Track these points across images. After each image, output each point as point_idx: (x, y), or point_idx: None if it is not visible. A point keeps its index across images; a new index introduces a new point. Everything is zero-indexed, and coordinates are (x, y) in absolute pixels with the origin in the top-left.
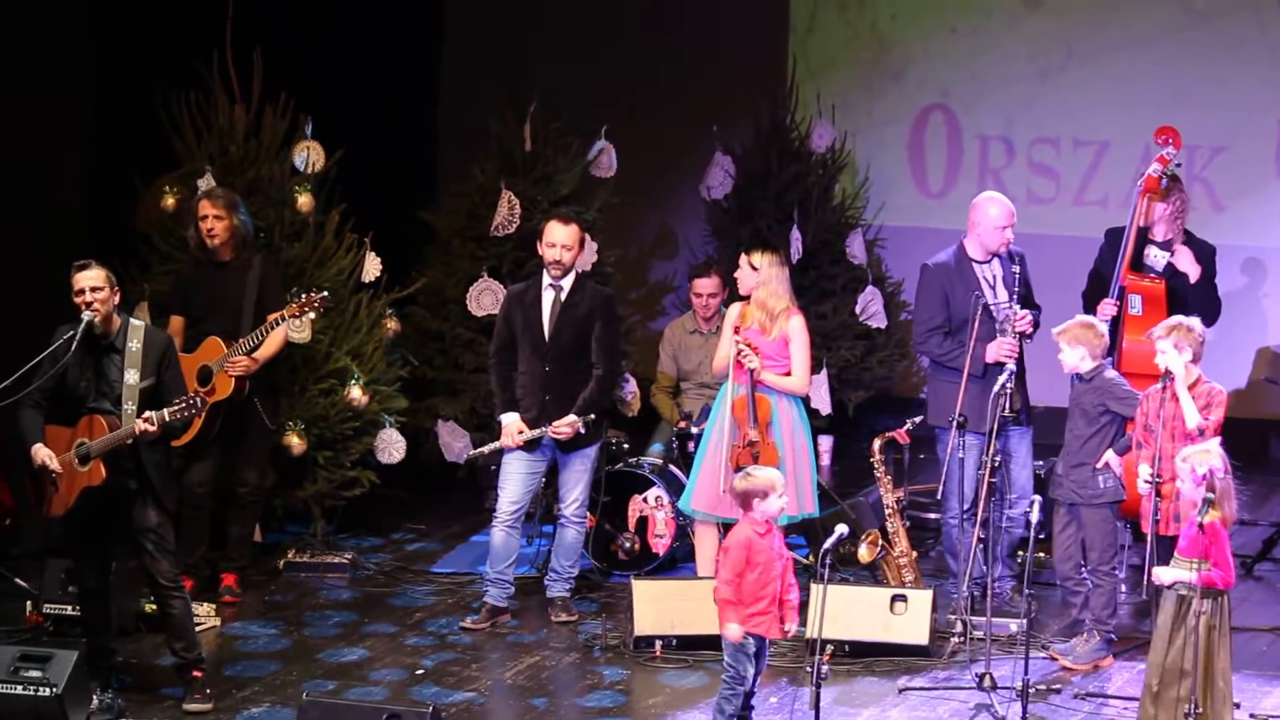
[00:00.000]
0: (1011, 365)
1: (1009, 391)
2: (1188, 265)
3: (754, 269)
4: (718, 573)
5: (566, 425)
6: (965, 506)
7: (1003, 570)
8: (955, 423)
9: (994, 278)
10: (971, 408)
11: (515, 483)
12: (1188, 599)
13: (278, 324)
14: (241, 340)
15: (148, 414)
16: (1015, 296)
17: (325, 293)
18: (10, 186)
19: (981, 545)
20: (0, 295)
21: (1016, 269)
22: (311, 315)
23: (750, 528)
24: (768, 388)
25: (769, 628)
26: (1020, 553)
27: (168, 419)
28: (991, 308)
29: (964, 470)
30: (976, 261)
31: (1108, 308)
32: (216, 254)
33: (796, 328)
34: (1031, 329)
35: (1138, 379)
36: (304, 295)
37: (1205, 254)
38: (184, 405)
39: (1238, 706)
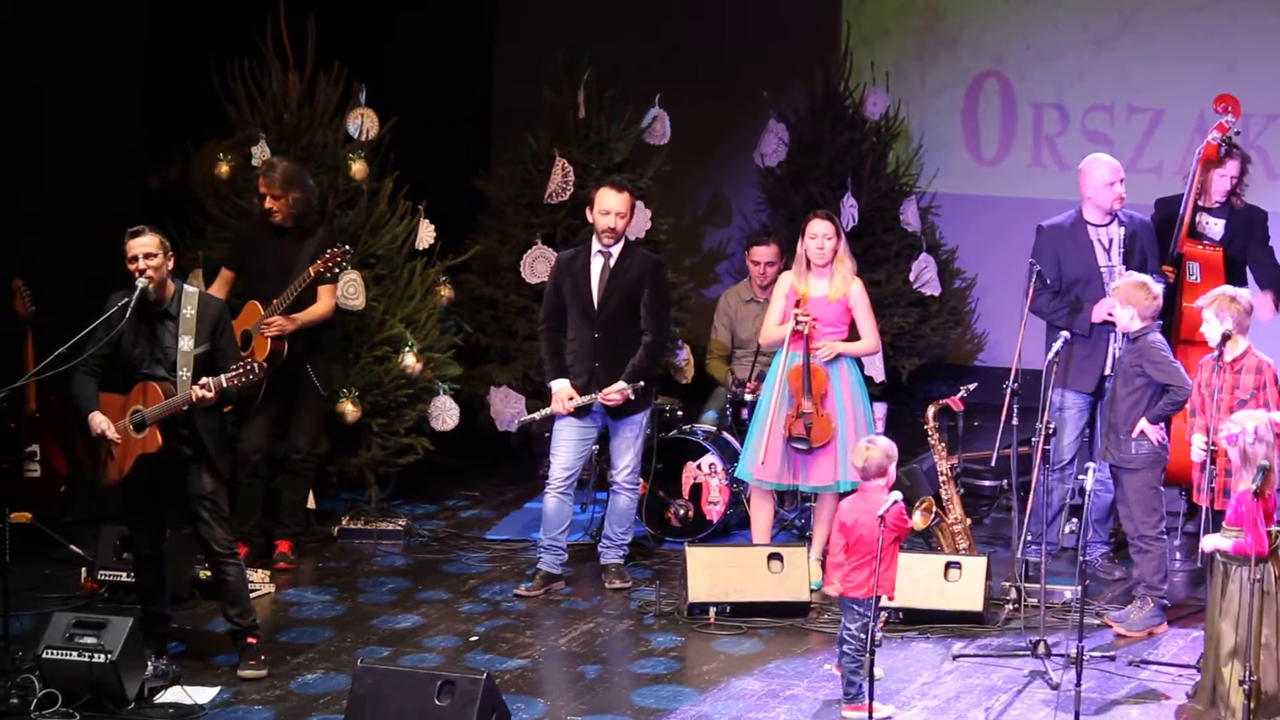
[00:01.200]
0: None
1: (1056, 360)
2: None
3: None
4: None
5: (616, 393)
6: (1059, 464)
7: (1094, 536)
8: (1009, 389)
9: (1109, 241)
10: (1081, 369)
11: (567, 449)
12: (1228, 567)
13: (304, 283)
14: (275, 301)
15: (204, 380)
16: (1111, 261)
17: (348, 248)
18: (65, 154)
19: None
20: (56, 262)
21: (1107, 237)
22: (337, 272)
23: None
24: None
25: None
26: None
27: (225, 385)
28: (1104, 270)
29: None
30: (1093, 225)
31: (1166, 274)
32: (280, 223)
33: (857, 292)
34: None
35: (1197, 346)
36: (327, 252)
37: (1258, 219)
38: (241, 371)
39: None
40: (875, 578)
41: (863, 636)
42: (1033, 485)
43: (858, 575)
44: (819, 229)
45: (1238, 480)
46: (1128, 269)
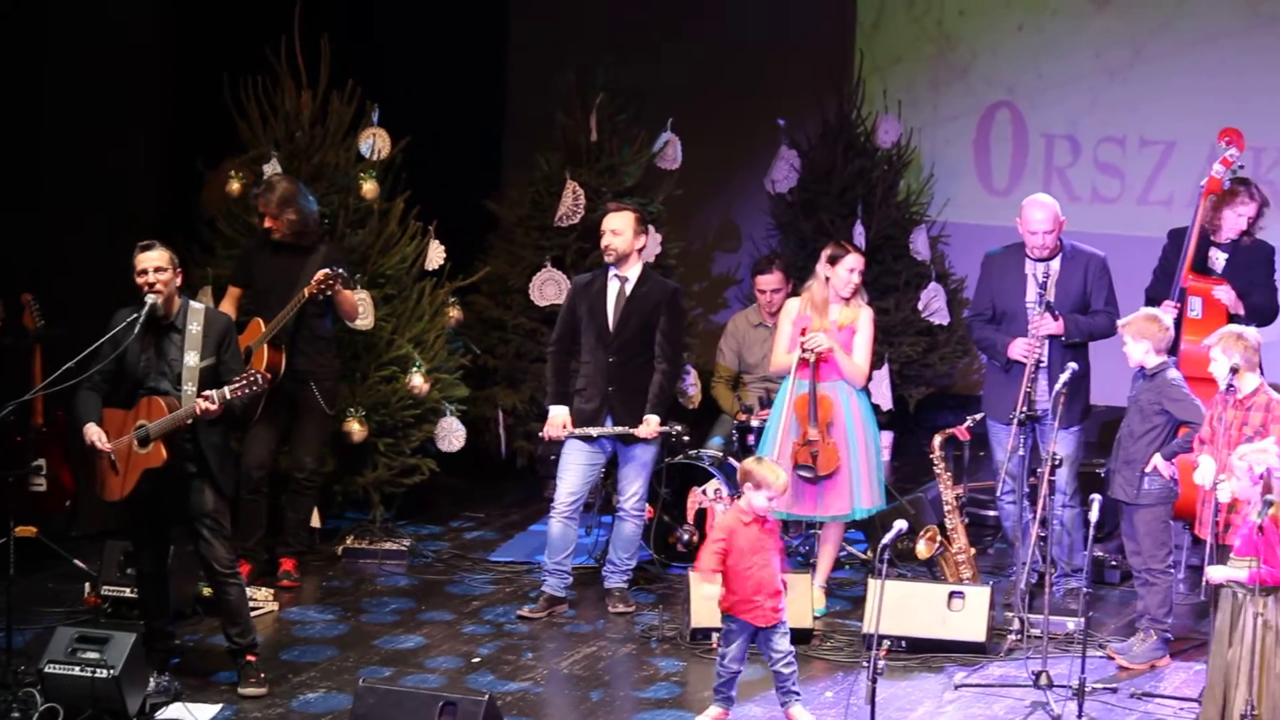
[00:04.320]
0: (1029, 362)
1: (1063, 390)
2: (1225, 297)
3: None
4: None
5: (650, 430)
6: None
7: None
8: (1014, 420)
9: (1045, 275)
10: (999, 399)
11: (574, 473)
12: (1241, 600)
13: (299, 303)
14: (274, 320)
15: (208, 392)
16: (1042, 299)
17: (341, 271)
18: (78, 169)
19: (1041, 542)
20: (65, 277)
21: (1051, 274)
22: (330, 295)
23: (735, 514)
24: (832, 385)
25: (753, 616)
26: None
27: (229, 397)
28: (1028, 306)
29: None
30: (1031, 258)
31: (1168, 309)
32: (282, 239)
33: (865, 319)
34: (1054, 332)
35: (1194, 382)
36: (319, 273)
37: (1265, 254)
38: (245, 383)
39: None
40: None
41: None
42: (1037, 516)
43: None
44: (856, 264)
45: (1249, 512)
46: (1060, 305)
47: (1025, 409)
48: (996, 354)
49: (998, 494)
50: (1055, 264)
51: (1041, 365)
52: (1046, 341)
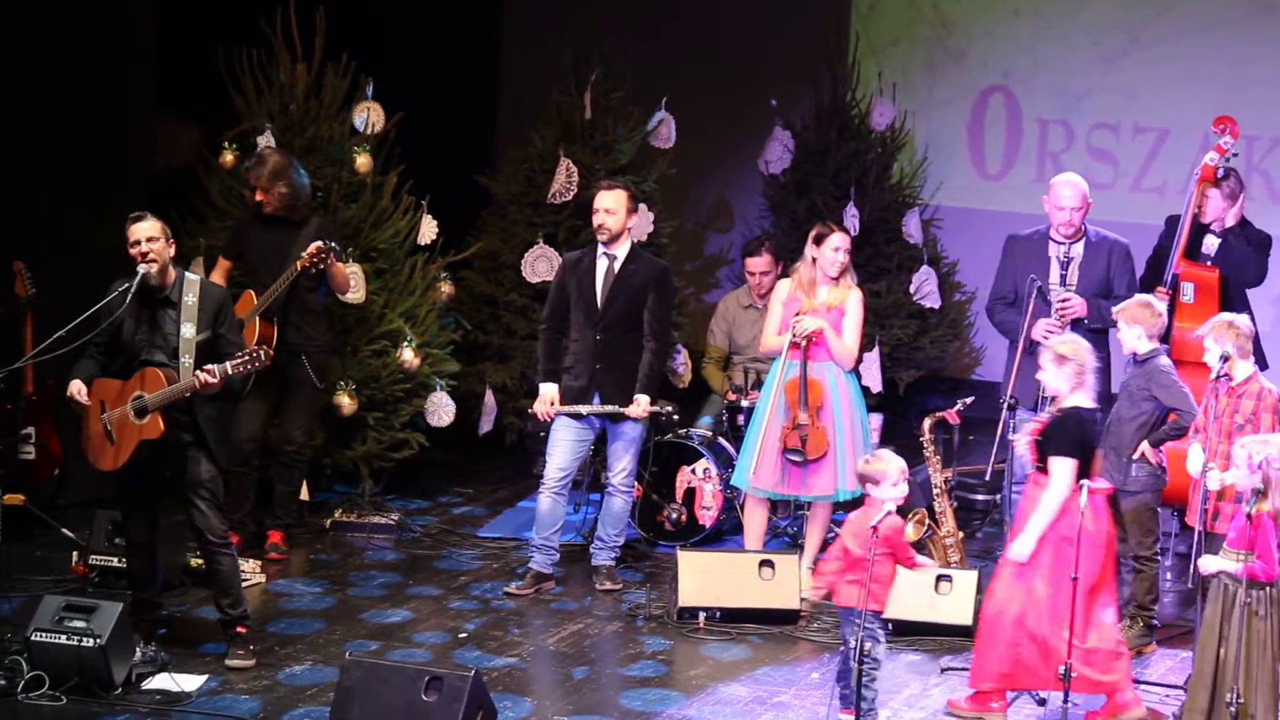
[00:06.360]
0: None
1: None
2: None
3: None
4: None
5: (641, 410)
6: (1014, 482)
7: None
8: (1005, 404)
9: (1068, 260)
10: (1024, 386)
11: (563, 450)
12: (1233, 591)
13: (291, 276)
14: (267, 291)
15: (209, 366)
16: (1066, 281)
17: (332, 244)
18: (69, 137)
19: None
20: (57, 245)
21: (1074, 257)
22: (322, 268)
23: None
24: (821, 366)
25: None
26: None
27: (230, 371)
28: (1051, 288)
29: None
30: (1056, 241)
31: (1160, 296)
32: (273, 213)
33: (855, 300)
34: (1081, 315)
35: (1186, 367)
36: (311, 247)
37: (1261, 242)
38: (246, 359)
39: None
40: (865, 589)
41: (852, 644)
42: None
43: (850, 586)
44: (842, 242)
45: (1247, 503)
46: (1081, 289)
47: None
48: (1018, 336)
49: (1008, 482)
50: (1079, 248)
51: None
52: (1068, 324)
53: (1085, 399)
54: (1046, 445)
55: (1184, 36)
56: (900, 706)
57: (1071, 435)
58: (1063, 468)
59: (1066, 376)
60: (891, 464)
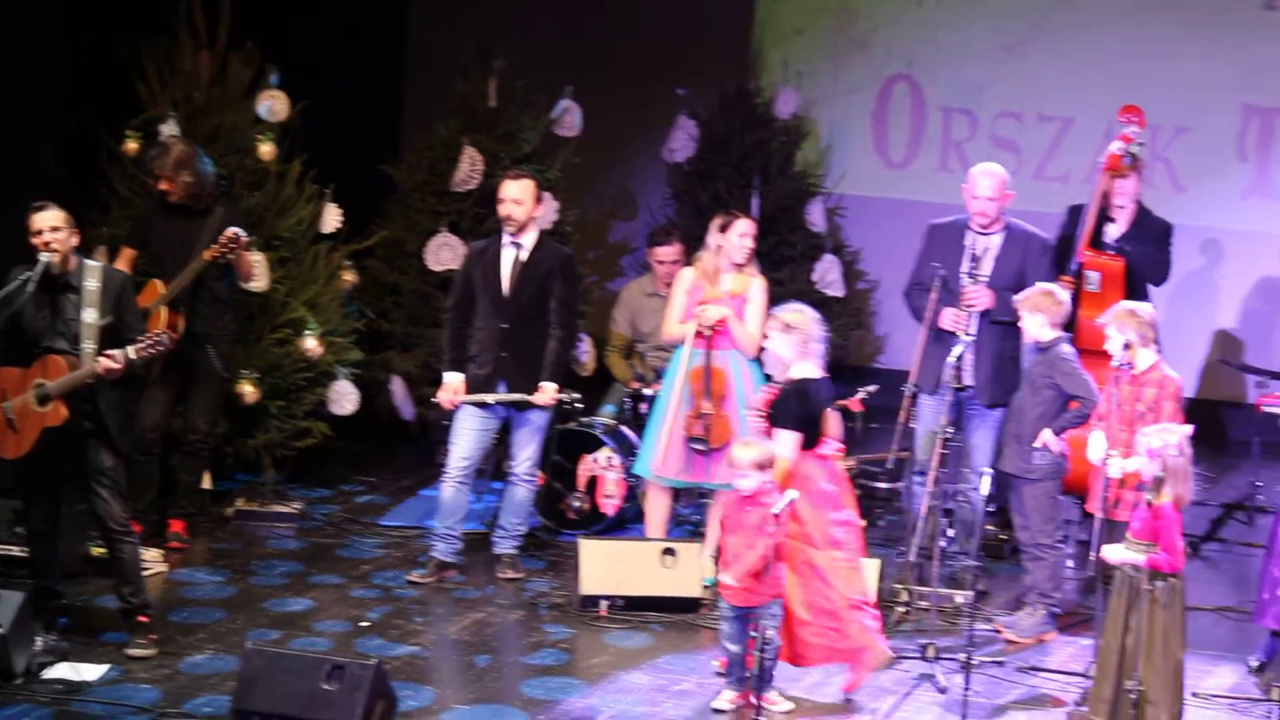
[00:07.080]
0: (965, 338)
1: (960, 365)
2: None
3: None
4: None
5: (547, 397)
6: (914, 470)
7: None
8: (908, 392)
9: (983, 250)
10: (926, 373)
11: (467, 439)
12: (1137, 581)
13: (201, 265)
14: (174, 281)
15: (112, 351)
16: (974, 272)
17: (240, 233)
18: None
19: (930, 515)
20: None
21: (989, 248)
22: (232, 258)
23: (730, 495)
24: (724, 354)
25: (733, 597)
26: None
27: (133, 355)
28: (955, 278)
29: (915, 435)
30: (973, 231)
31: (1064, 284)
32: (178, 201)
33: (758, 289)
34: (985, 307)
35: (1091, 355)
36: (220, 237)
37: (1160, 230)
38: (149, 343)
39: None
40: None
41: (769, 635)
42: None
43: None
44: (748, 229)
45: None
46: (994, 281)
47: (947, 380)
48: (922, 331)
49: (909, 471)
50: (996, 240)
51: (969, 339)
52: (976, 316)
53: (811, 368)
54: (774, 417)
55: (1085, 27)
56: (802, 694)
57: (793, 410)
58: (785, 440)
59: (792, 345)
60: (760, 454)
